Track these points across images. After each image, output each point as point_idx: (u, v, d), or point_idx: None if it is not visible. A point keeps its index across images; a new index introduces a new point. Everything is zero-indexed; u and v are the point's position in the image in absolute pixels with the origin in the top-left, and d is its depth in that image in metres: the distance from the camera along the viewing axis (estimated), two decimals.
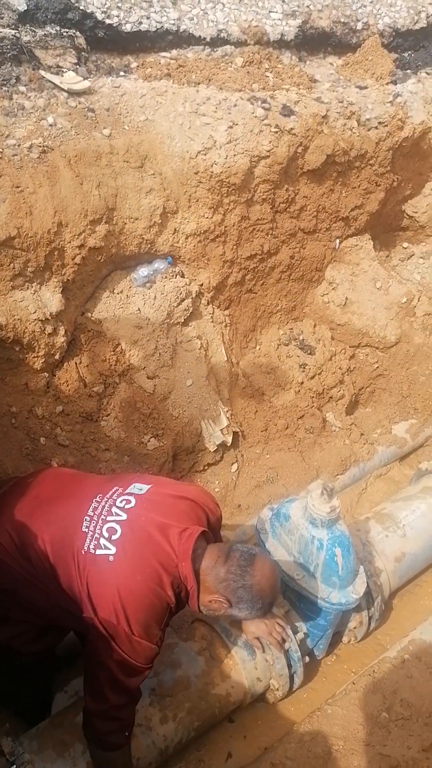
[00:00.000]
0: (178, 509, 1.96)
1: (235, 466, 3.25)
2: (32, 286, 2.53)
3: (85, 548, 1.85)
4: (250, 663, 2.37)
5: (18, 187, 2.40)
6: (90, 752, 2.00)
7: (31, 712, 2.37)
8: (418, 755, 2.10)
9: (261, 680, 2.41)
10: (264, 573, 1.87)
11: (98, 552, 1.84)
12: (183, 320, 3.08)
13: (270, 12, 3.59)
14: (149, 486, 2.02)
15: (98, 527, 1.88)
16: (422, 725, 2.18)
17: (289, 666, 2.41)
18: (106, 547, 1.84)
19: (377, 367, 3.67)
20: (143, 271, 2.97)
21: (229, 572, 1.85)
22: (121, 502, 1.95)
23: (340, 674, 2.70)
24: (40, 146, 2.51)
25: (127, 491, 1.99)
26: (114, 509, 1.92)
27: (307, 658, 2.49)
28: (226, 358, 3.25)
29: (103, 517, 1.90)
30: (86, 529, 1.88)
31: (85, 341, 2.80)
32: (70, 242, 2.61)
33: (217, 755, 2.41)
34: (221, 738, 2.46)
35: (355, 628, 2.69)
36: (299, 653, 2.40)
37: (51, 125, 2.61)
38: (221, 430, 3.13)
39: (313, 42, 3.75)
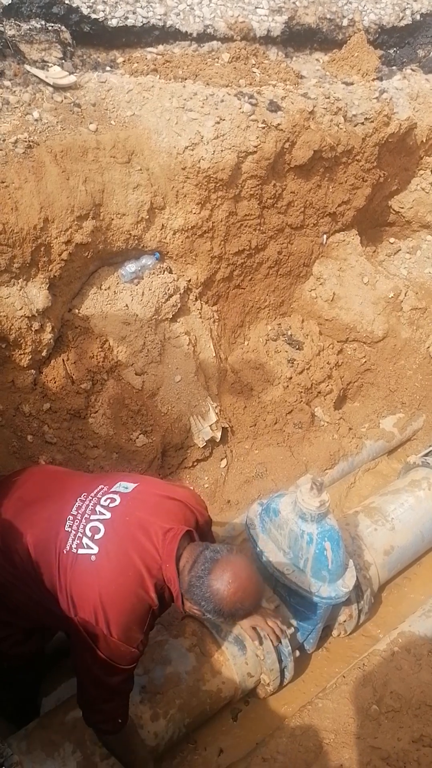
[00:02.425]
0: (165, 508, 1.93)
1: (224, 462, 3.25)
2: (18, 283, 2.51)
3: (68, 548, 1.82)
4: (241, 658, 2.38)
5: (3, 182, 2.38)
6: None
7: (20, 713, 2.35)
8: (408, 747, 2.11)
9: (252, 675, 2.41)
10: (224, 581, 1.74)
11: (80, 551, 1.81)
12: (171, 316, 3.08)
13: (256, 8, 3.58)
14: (135, 485, 1.99)
15: (81, 526, 1.85)
16: (412, 717, 2.20)
17: (280, 660, 2.41)
18: (89, 547, 1.81)
19: (365, 361, 3.68)
20: (131, 267, 2.96)
21: (191, 583, 1.78)
22: (105, 500, 1.91)
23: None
24: (26, 141, 2.49)
25: (112, 489, 1.96)
26: (98, 508, 1.89)
27: (297, 652, 2.50)
28: (214, 354, 3.25)
29: (86, 515, 1.87)
30: (69, 529, 1.85)
31: (72, 338, 2.78)
32: (56, 238, 2.59)
33: (208, 751, 2.41)
34: (212, 734, 2.47)
35: (344, 621, 2.70)
36: (290, 647, 2.40)
37: (36, 120, 2.59)
38: (210, 425, 3.13)
39: (299, 38, 3.75)
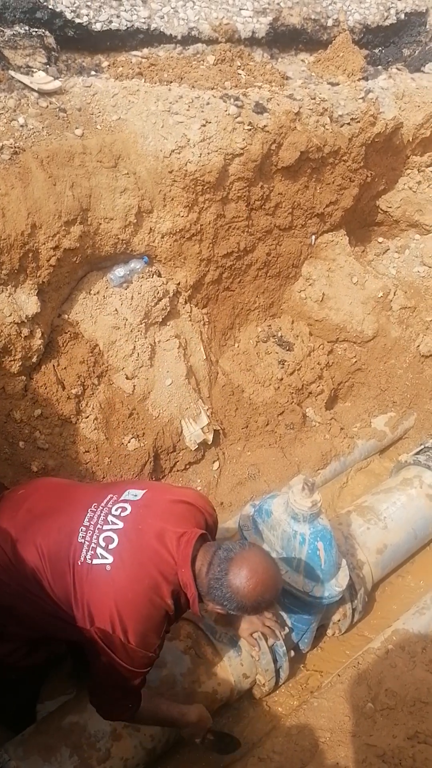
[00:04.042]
0: (175, 513, 1.94)
1: (216, 464, 3.26)
2: (7, 289, 2.51)
3: (82, 559, 1.83)
4: (236, 659, 2.39)
5: None
6: None
7: (17, 719, 2.35)
8: (403, 743, 2.12)
9: (247, 676, 2.42)
10: (242, 578, 1.77)
11: (95, 562, 1.82)
12: (161, 320, 3.08)
13: (240, 9, 3.59)
14: (144, 491, 2.00)
15: (95, 537, 1.86)
16: (407, 714, 2.21)
17: (275, 661, 2.42)
18: (103, 557, 1.82)
19: (355, 361, 3.70)
20: (119, 271, 2.96)
21: (210, 585, 1.81)
22: (116, 510, 1.92)
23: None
24: (11, 147, 2.49)
25: (122, 498, 1.96)
26: (110, 518, 1.90)
27: (292, 653, 2.51)
28: (205, 357, 3.26)
29: (99, 526, 1.88)
30: (82, 540, 1.86)
31: (62, 343, 2.78)
32: (44, 244, 2.59)
33: (205, 753, 2.41)
34: None
35: (339, 620, 2.71)
36: (284, 648, 2.41)
37: (22, 126, 2.58)
38: (202, 428, 3.14)
39: (284, 39, 3.76)
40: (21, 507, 2.02)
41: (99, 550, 1.83)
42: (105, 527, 1.87)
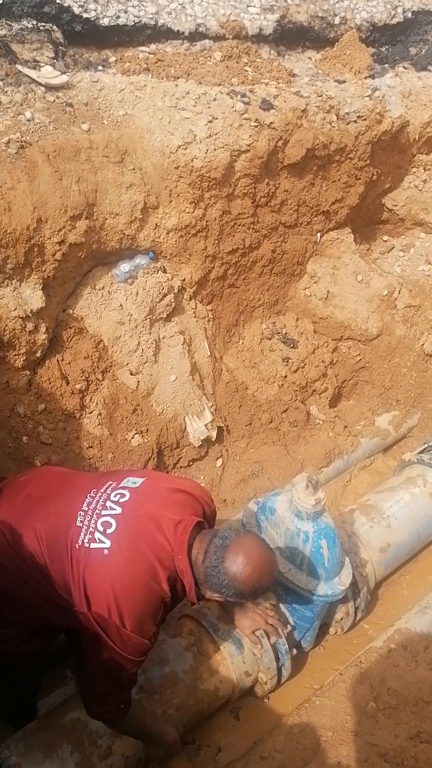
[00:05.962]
0: (173, 501, 1.95)
1: (219, 461, 3.25)
2: (12, 283, 2.51)
3: (80, 542, 1.84)
4: (238, 657, 2.38)
5: None
6: None
7: (18, 715, 2.35)
8: (405, 743, 2.11)
9: (249, 674, 2.41)
10: (239, 563, 1.79)
11: (93, 546, 1.83)
12: (165, 316, 3.07)
13: (248, 6, 3.58)
14: (143, 479, 2.02)
15: (93, 521, 1.87)
16: (409, 713, 2.20)
17: (277, 659, 2.41)
18: (101, 541, 1.83)
19: (360, 359, 3.69)
20: (125, 266, 2.95)
21: (207, 573, 1.82)
22: (115, 496, 1.93)
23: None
24: (18, 141, 2.48)
25: (121, 485, 1.98)
26: (108, 503, 1.91)
27: (294, 651, 2.50)
28: (209, 353, 3.25)
29: (97, 511, 1.89)
30: (80, 524, 1.87)
31: (66, 338, 2.78)
32: (50, 238, 2.58)
33: (207, 750, 2.41)
34: (211, 733, 2.47)
35: (341, 619, 2.71)
36: (286, 646, 2.41)
37: (29, 120, 2.58)
38: (205, 425, 3.13)
39: (291, 36, 3.75)
40: (20, 492, 2.03)
41: (97, 535, 1.84)
42: (103, 512, 1.89)
